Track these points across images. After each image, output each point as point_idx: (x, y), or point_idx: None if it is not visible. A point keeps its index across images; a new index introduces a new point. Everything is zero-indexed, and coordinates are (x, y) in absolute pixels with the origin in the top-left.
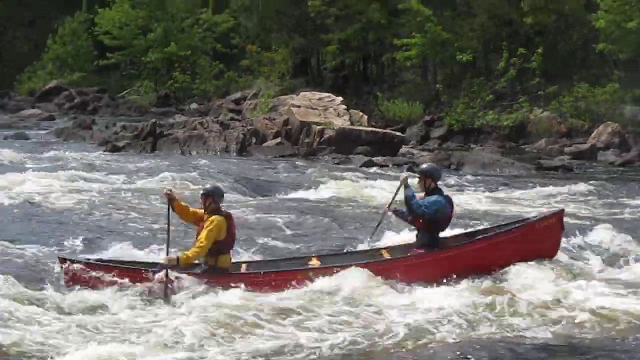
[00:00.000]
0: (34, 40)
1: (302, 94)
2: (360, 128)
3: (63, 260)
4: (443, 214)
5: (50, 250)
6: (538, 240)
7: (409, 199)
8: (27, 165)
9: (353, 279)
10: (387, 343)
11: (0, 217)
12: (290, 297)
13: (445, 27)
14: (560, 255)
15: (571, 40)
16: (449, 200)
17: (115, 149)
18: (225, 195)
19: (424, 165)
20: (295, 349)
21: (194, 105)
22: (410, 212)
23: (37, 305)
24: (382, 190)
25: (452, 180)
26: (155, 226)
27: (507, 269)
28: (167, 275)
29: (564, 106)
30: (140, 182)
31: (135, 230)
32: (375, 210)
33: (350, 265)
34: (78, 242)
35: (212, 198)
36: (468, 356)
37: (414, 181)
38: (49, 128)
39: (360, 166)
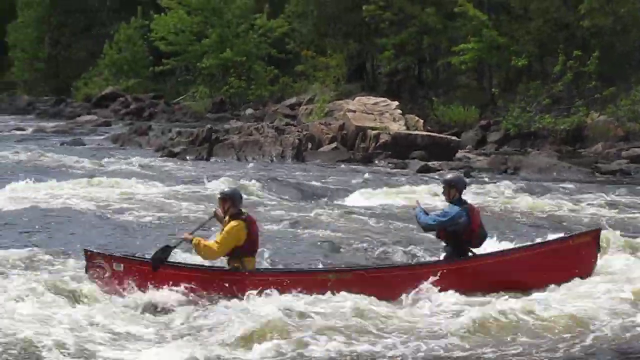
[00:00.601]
0: (90, 47)
1: (357, 98)
2: (416, 132)
3: (88, 254)
4: (460, 224)
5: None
6: (570, 259)
7: (417, 218)
8: (84, 171)
9: (357, 287)
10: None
11: (56, 222)
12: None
13: (501, 31)
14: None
15: (628, 42)
16: (470, 210)
17: (171, 155)
18: (280, 200)
19: (449, 175)
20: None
21: (249, 111)
22: (424, 229)
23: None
24: (437, 196)
25: (508, 184)
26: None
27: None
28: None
29: (621, 109)
30: (197, 188)
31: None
32: None
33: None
34: (130, 245)
35: (230, 202)
36: None
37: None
38: (105, 134)
39: (416, 171)
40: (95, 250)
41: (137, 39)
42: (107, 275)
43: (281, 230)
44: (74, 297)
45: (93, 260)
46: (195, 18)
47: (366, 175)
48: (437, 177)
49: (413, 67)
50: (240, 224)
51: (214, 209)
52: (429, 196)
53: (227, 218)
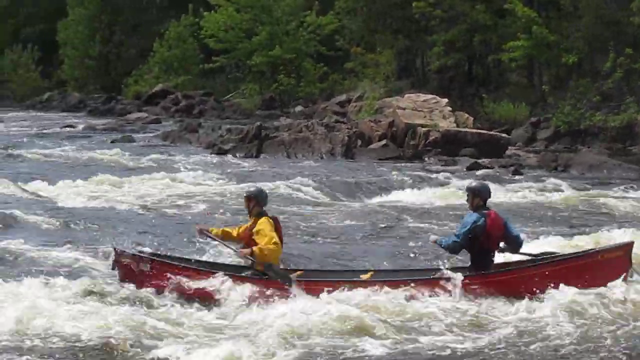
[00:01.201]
0: (140, 45)
1: (407, 95)
2: (466, 130)
3: (117, 252)
4: (478, 232)
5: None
6: (599, 274)
7: (441, 246)
8: (134, 168)
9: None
10: None
11: (106, 219)
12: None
13: (551, 28)
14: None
15: None
16: (489, 216)
17: (221, 152)
18: (330, 198)
19: (473, 183)
20: None
21: (298, 108)
22: (453, 251)
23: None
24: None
25: (559, 182)
26: None
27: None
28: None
29: None
30: (246, 185)
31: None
32: None
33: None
34: (179, 243)
35: (255, 201)
36: None
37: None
38: (155, 131)
39: (466, 168)
40: (123, 249)
41: (187, 37)
42: (134, 273)
43: (330, 228)
44: (114, 297)
45: (121, 259)
46: (245, 15)
47: (416, 173)
48: (487, 174)
49: (463, 64)
50: (269, 221)
51: (196, 228)
52: None
53: (252, 218)
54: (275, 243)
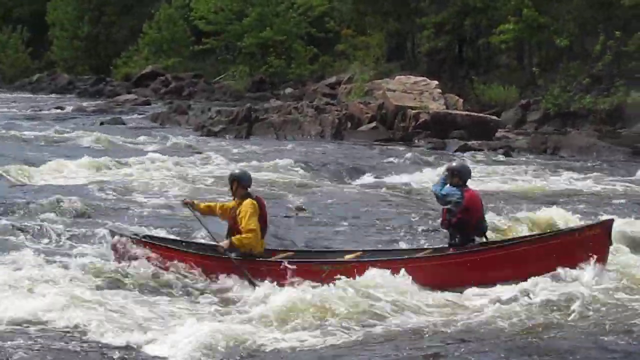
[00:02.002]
0: (130, 26)
1: (397, 78)
2: (456, 112)
3: (113, 234)
4: (452, 201)
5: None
6: (578, 252)
7: (434, 191)
8: (124, 150)
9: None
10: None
11: (93, 201)
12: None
13: (541, 11)
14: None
15: None
16: (467, 192)
17: (210, 134)
18: (318, 179)
19: (454, 163)
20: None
21: (288, 90)
22: (438, 199)
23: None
24: (476, 175)
25: (548, 164)
26: None
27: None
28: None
29: None
30: (235, 167)
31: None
32: None
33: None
34: (166, 225)
35: (237, 182)
36: None
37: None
38: (144, 113)
39: (455, 151)
40: (119, 232)
41: (177, 19)
42: (129, 255)
43: (318, 209)
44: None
45: (117, 241)
46: None
47: (405, 155)
48: (476, 156)
49: (453, 46)
50: (254, 203)
51: (182, 200)
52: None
53: (236, 199)
54: (251, 230)
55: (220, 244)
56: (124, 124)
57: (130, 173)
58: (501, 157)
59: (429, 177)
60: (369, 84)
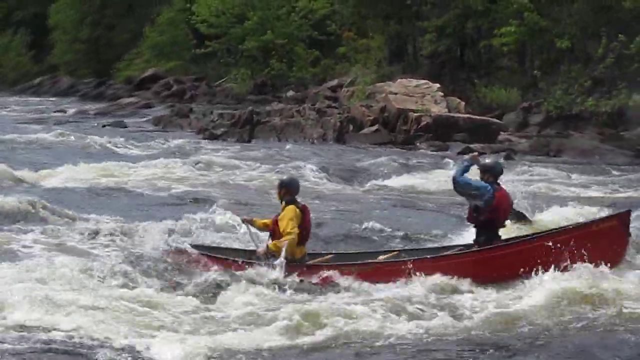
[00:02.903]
0: (132, 29)
1: (399, 81)
2: (458, 115)
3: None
4: (483, 200)
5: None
6: (595, 245)
7: (456, 170)
8: (125, 153)
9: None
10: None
11: (95, 203)
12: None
13: (542, 13)
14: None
15: None
16: (498, 192)
17: (212, 137)
18: (321, 182)
19: (487, 160)
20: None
21: (290, 93)
22: (453, 182)
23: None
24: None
25: (551, 166)
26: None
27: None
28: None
29: None
30: (238, 170)
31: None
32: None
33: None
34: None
35: (285, 189)
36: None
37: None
38: (146, 116)
39: (458, 154)
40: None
41: (178, 22)
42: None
43: (322, 212)
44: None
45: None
46: (237, 0)
47: (407, 158)
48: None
49: (455, 49)
50: (296, 209)
51: (240, 218)
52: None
53: (283, 204)
54: (288, 233)
55: (257, 251)
56: (125, 127)
57: (133, 176)
58: (503, 160)
59: (431, 180)
60: (370, 87)
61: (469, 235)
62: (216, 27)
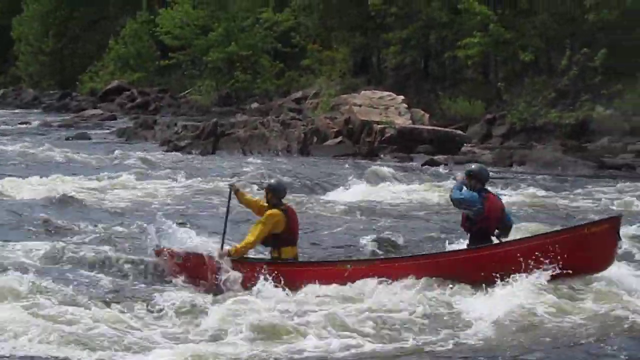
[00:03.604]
0: (96, 41)
1: (363, 92)
2: (422, 127)
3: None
4: (473, 210)
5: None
6: (585, 249)
7: (454, 191)
8: (89, 165)
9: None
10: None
11: (57, 216)
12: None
13: (507, 25)
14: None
15: (635, 37)
16: (488, 199)
17: (176, 149)
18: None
19: (472, 166)
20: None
21: (254, 105)
22: (451, 201)
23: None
24: (442, 190)
25: (514, 178)
26: (213, 225)
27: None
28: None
29: (627, 104)
30: (202, 182)
31: (194, 228)
32: (436, 211)
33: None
34: (133, 240)
35: (272, 193)
36: None
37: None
38: (110, 128)
39: (422, 165)
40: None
41: (143, 34)
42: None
43: None
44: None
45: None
46: (201, 12)
47: (371, 169)
48: (441, 170)
49: (419, 61)
50: (277, 213)
51: (232, 183)
52: (433, 190)
53: (268, 207)
54: (248, 240)
55: (218, 250)
56: (89, 139)
57: (95, 188)
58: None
59: (395, 192)
60: (335, 98)
61: (432, 245)
62: (180, 38)
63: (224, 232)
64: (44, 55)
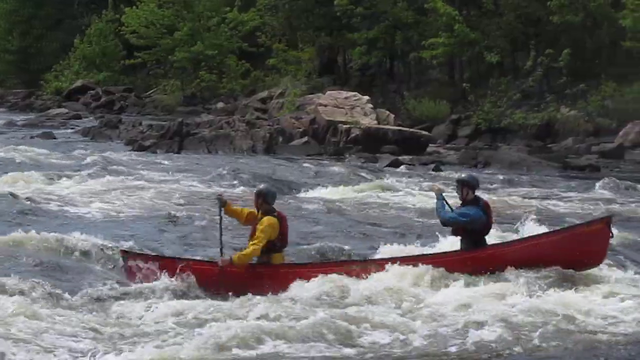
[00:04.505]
0: (61, 40)
1: (328, 92)
2: (387, 127)
3: (125, 253)
4: (479, 223)
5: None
6: (583, 246)
7: (437, 211)
8: (54, 165)
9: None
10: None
11: (27, 216)
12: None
13: (472, 26)
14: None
15: (598, 38)
16: (485, 208)
17: (141, 148)
18: (249, 194)
19: (463, 175)
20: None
21: (220, 105)
22: (443, 224)
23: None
24: (408, 190)
25: (479, 179)
26: (180, 227)
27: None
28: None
29: (591, 105)
30: (168, 182)
31: (160, 230)
32: (401, 211)
33: (393, 261)
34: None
35: (263, 198)
36: None
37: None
38: (75, 127)
39: (387, 166)
40: (132, 251)
41: (108, 33)
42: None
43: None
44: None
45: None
46: (166, 11)
47: (336, 169)
48: (407, 171)
49: (384, 62)
50: (274, 220)
51: (218, 195)
52: (398, 190)
53: (259, 213)
54: (254, 248)
55: (221, 259)
56: (54, 138)
57: (59, 187)
58: (432, 172)
59: (359, 191)
60: (300, 98)
61: (401, 248)
62: (146, 38)
63: (221, 241)
64: (9, 54)
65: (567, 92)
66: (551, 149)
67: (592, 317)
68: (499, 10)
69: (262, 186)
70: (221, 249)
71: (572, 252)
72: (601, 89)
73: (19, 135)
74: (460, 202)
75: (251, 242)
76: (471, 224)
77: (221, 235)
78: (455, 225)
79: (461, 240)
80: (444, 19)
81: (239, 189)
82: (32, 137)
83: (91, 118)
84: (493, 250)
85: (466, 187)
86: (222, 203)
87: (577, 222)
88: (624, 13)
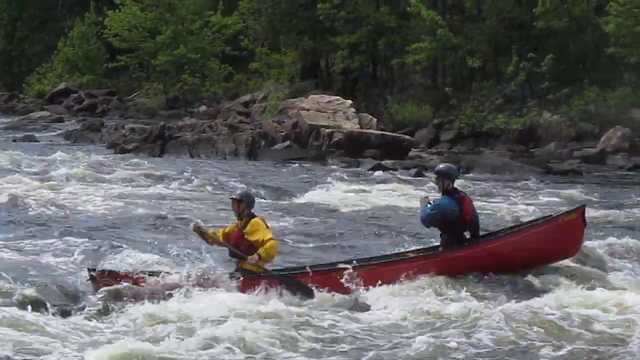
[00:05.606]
0: (44, 42)
1: (311, 96)
2: (370, 131)
3: (91, 271)
4: (451, 215)
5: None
6: (561, 237)
7: (419, 216)
8: (36, 168)
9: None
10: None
11: (6, 220)
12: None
13: (455, 31)
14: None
15: (581, 44)
16: (461, 201)
17: (123, 152)
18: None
19: (441, 166)
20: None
21: (202, 108)
22: (423, 224)
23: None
24: (390, 194)
25: (462, 183)
26: (159, 233)
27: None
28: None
29: (574, 110)
30: (149, 186)
31: (141, 237)
32: (384, 215)
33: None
34: (82, 248)
35: (245, 203)
36: None
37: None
38: (57, 130)
39: (369, 170)
40: (101, 269)
41: (91, 36)
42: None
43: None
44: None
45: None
46: (149, 15)
47: (319, 173)
48: (389, 175)
49: (367, 66)
50: (262, 221)
51: (192, 224)
52: (381, 194)
53: (241, 220)
54: (272, 239)
55: (250, 258)
56: (37, 141)
57: (42, 191)
58: (414, 177)
59: (342, 196)
60: (283, 102)
61: (374, 248)
62: (128, 41)
63: (229, 247)
64: None
65: (549, 97)
66: (533, 153)
67: (585, 318)
68: (482, 15)
69: (242, 191)
70: (238, 251)
71: (550, 245)
72: (584, 94)
73: (0, 139)
74: (440, 194)
75: (267, 240)
76: (442, 213)
77: (230, 247)
78: (431, 220)
79: (441, 235)
80: (426, 24)
81: (219, 193)
82: (13, 140)
83: (73, 121)
84: (465, 251)
85: (445, 178)
86: (201, 235)
87: None
88: (607, 19)
